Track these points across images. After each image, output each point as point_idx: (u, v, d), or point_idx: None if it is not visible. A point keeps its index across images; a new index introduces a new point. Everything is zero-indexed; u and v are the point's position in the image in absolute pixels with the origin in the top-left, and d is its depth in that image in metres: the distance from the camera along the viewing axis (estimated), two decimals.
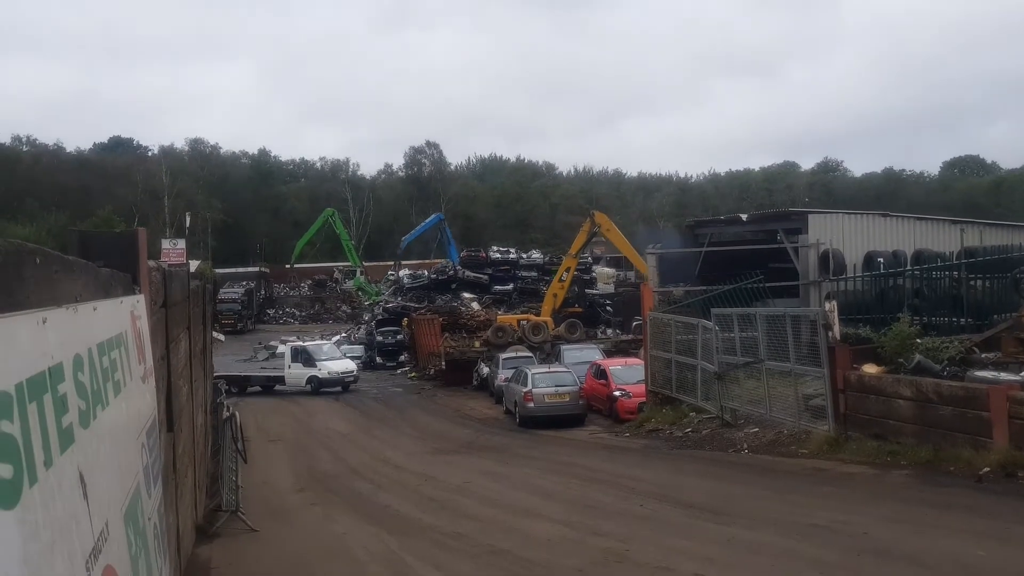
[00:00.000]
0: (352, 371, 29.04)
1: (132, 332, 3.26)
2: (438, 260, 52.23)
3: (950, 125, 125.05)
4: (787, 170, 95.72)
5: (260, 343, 38.61)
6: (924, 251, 20.57)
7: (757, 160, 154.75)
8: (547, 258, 46.32)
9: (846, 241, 21.08)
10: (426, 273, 45.62)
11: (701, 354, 15.65)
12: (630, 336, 30.13)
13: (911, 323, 12.92)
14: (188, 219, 61.44)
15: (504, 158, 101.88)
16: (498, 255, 46.15)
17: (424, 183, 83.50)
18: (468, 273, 42.83)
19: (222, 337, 38.88)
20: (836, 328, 12.44)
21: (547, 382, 19.60)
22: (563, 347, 27.02)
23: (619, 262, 45.82)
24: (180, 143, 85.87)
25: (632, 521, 8.86)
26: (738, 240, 25.43)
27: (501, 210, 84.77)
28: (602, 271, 43.44)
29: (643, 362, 19.05)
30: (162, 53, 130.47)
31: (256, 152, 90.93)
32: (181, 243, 50.82)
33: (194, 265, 40.34)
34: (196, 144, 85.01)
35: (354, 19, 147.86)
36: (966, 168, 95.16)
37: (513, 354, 25.82)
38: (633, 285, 35.82)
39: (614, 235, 33.20)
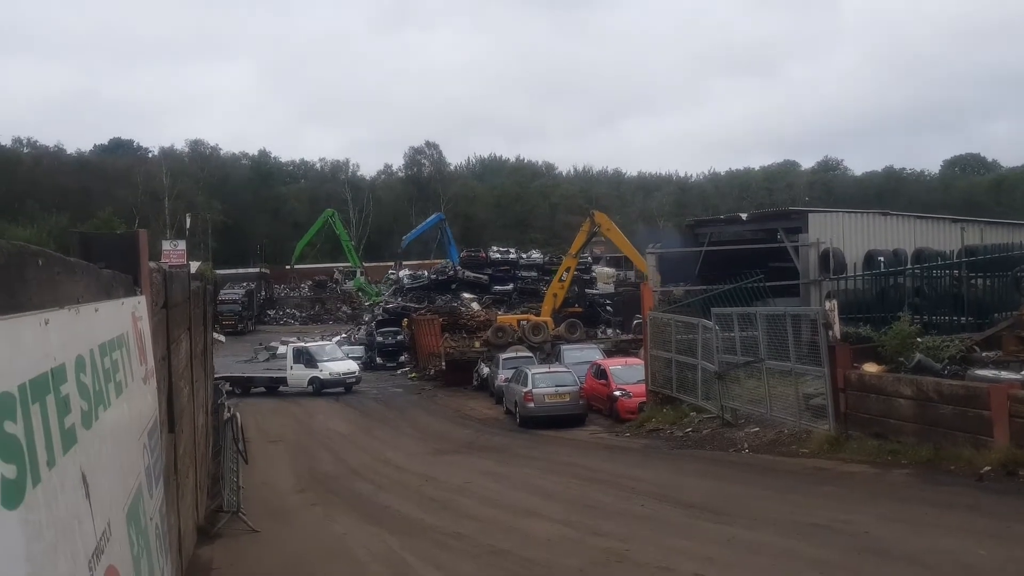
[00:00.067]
0: (354, 372, 28.93)
1: (133, 333, 3.27)
2: (438, 260, 52.27)
3: (951, 123, 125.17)
4: (787, 169, 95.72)
5: (261, 344, 38.63)
6: (925, 250, 20.59)
7: (757, 159, 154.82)
8: (547, 258, 46.33)
9: (846, 240, 21.11)
10: (426, 273, 45.64)
11: (701, 354, 15.66)
12: (630, 336, 30.13)
13: (911, 322, 12.93)
14: (188, 220, 61.51)
15: (504, 158, 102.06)
16: (498, 255, 46.17)
17: (424, 183, 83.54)
18: (468, 273, 42.83)
19: (222, 338, 38.90)
20: (836, 327, 12.45)
21: (547, 382, 19.60)
22: (563, 347, 27.02)
23: (619, 262, 45.86)
24: (180, 144, 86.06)
25: (632, 521, 8.87)
26: (738, 239, 25.44)
27: (501, 210, 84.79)
28: (602, 271, 43.46)
29: (643, 362, 19.05)
30: (162, 54, 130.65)
31: (256, 153, 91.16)
32: (182, 244, 50.85)
33: (195, 266, 40.32)
34: (196, 145, 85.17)
35: (353, 19, 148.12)
36: (967, 166, 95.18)
37: (513, 354, 25.82)
38: (633, 285, 35.84)
39: (614, 234, 33.22)
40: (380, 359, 35.89)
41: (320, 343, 32.76)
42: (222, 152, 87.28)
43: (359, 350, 35.77)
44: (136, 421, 3.13)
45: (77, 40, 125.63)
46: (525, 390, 19.50)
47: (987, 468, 9.18)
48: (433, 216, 55.95)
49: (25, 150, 76.79)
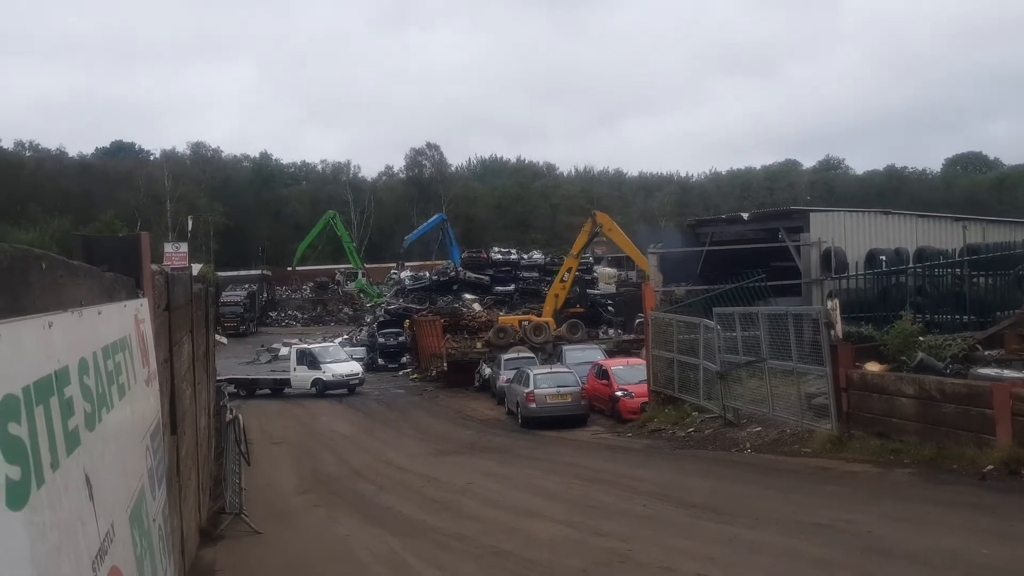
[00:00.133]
0: (357, 373, 28.83)
1: (136, 336, 3.29)
2: (439, 261, 52.32)
3: (952, 122, 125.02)
4: (788, 168, 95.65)
5: (263, 346, 38.72)
6: (926, 248, 20.56)
7: (758, 158, 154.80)
8: (548, 259, 46.36)
9: (848, 239, 21.08)
10: (427, 274, 45.69)
11: (703, 353, 15.65)
12: (632, 336, 30.12)
13: (913, 321, 12.92)
14: (190, 223, 61.64)
15: (504, 159, 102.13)
16: (499, 256, 46.21)
17: (425, 185, 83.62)
18: (469, 274, 42.86)
19: (224, 340, 38.98)
20: (838, 326, 12.45)
21: (549, 383, 19.61)
22: (565, 347, 27.03)
23: (620, 262, 45.84)
24: (182, 147, 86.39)
25: (634, 521, 8.87)
26: (740, 239, 25.42)
27: (502, 211, 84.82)
28: (603, 271, 43.44)
29: (645, 362, 19.05)
30: (162, 56, 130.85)
31: (257, 155, 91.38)
32: (183, 247, 50.97)
33: (196, 268, 40.43)
34: (198, 148, 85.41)
35: (353, 20, 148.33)
36: (969, 165, 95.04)
37: (515, 355, 25.84)
38: (635, 285, 35.83)
39: (616, 234, 33.23)
40: (382, 360, 35.92)
41: (323, 344, 32.72)
42: (223, 154, 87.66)
43: (361, 351, 35.81)
44: (139, 423, 3.14)
45: (78, 42, 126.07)
46: (527, 391, 19.51)
47: (990, 467, 9.17)
48: (435, 216, 56.01)
49: (27, 153, 77.05)
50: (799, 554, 7.15)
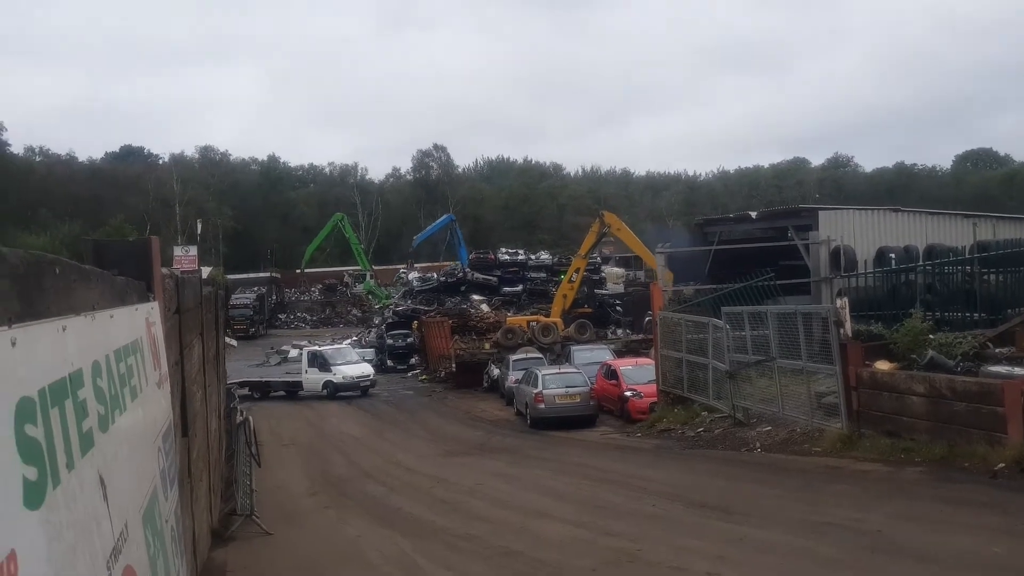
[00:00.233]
0: (369, 375, 28.60)
1: (147, 338, 3.33)
2: (447, 262, 52.43)
3: (962, 118, 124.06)
4: (797, 166, 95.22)
5: (272, 348, 38.86)
6: (936, 246, 20.41)
7: (766, 157, 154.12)
8: (556, 259, 46.36)
9: (857, 237, 20.97)
10: (435, 276, 45.77)
11: (712, 353, 15.62)
12: (640, 336, 30.09)
13: (923, 319, 12.84)
14: (199, 226, 61.88)
15: (511, 159, 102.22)
16: (507, 257, 46.26)
17: (432, 186, 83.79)
18: (477, 275, 42.92)
19: (234, 342, 39.12)
20: (848, 325, 12.39)
21: (558, 383, 19.61)
22: (573, 348, 27.03)
23: (628, 262, 45.80)
24: (190, 151, 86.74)
25: (644, 521, 8.87)
26: (748, 238, 25.34)
27: (509, 212, 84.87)
28: (611, 271, 43.41)
29: (654, 362, 19.03)
30: (170, 61, 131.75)
31: (265, 158, 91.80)
32: (193, 250, 51.12)
33: (206, 271, 40.62)
34: (206, 151, 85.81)
35: (357, 23, 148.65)
36: (979, 161, 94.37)
37: (523, 355, 25.84)
38: (643, 285, 35.79)
39: (624, 234, 33.19)
40: (391, 361, 36.00)
41: (334, 346, 32.71)
42: (232, 158, 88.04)
43: (370, 353, 35.91)
44: (151, 425, 3.18)
45: (86, 47, 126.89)
46: (535, 391, 19.52)
47: (1001, 465, 9.11)
48: (443, 217, 56.17)
49: (37, 158, 77.63)
50: (809, 553, 7.13)
